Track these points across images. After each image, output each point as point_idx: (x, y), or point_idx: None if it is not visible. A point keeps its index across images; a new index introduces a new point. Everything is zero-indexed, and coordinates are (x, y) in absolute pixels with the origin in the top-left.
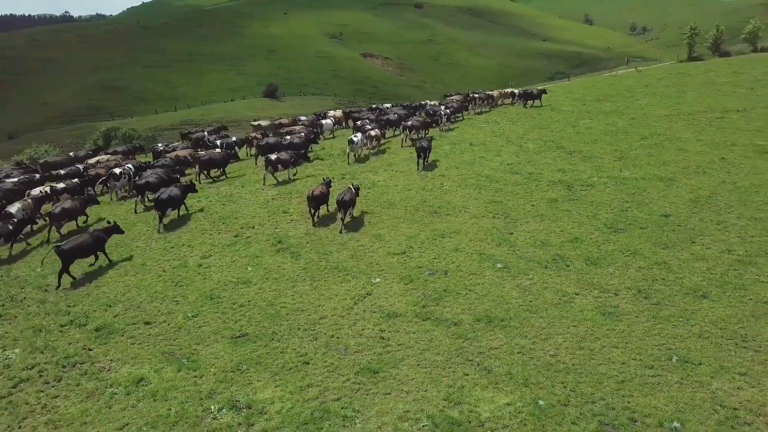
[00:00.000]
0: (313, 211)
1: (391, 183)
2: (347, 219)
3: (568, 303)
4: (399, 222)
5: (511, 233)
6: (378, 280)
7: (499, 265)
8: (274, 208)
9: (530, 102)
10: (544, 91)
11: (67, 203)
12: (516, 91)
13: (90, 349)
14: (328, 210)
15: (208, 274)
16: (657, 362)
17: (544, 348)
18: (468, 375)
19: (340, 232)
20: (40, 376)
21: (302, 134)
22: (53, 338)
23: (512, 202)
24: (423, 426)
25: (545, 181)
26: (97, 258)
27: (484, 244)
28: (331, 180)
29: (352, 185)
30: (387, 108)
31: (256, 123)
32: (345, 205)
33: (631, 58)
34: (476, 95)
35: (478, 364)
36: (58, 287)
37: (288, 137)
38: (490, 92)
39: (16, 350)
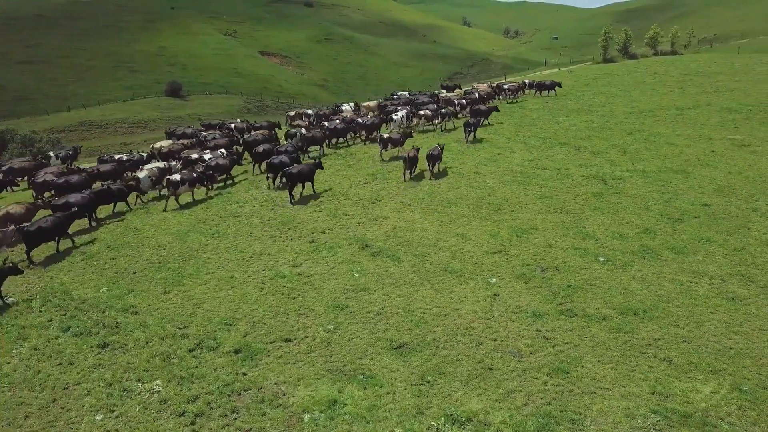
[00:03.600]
0: (408, 173)
1: (433, 183)
2: (435, 170)
3: (689, 291)
4: (471, 221)
5: (584, 227)
6: (494, 280)
7: (601, 259)
8: (330, 211)
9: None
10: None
11: None
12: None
13: (245, 374)
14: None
15: (315, 283)
16: None
17: (702, 335)
18: (653, 367)
19: (430, 179)
20: (211, 408)
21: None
22: (191, 365)
23: (562, 197)
24: (657, 421)
25: (576, 175)
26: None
27: (569, 239)
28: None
29: (439, 144)
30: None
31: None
32: (433, 159)
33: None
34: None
35: (654, 356)
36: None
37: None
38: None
39: (158, 381)
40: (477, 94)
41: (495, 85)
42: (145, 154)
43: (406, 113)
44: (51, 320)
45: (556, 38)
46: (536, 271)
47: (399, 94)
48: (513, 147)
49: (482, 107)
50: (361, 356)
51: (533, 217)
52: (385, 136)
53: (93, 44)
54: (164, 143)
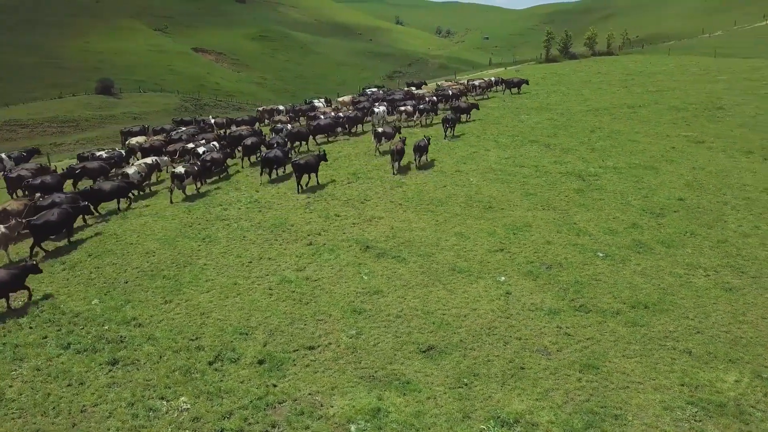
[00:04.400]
0: (395, 165)
1: (418, 182)
2: (421, 162)
3: (688, 283)
4: (465, 219)
5: (575, 223)
6: (503, 278)
7: (600, 254)
8: (321, 212)
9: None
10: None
11: None
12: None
13: (275, 385)
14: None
15: (326, 288)
16: None
17: (712, 326)
18: (675, 359)
19: (417, 168)
20: (249, 424)
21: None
22: (215, 378)
23: (546, 194)
24: (695, 413)
25: (554, 173)
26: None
27: (564, 235)
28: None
29: (425, 136)
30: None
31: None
32: (420, 150)
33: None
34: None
35: (674, 348)
36: None
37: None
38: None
39: (183, 398)
40: (450, 92)
41: (465, 82)
42: (122, 151)
43: (385, 109)
44: (46, 337)
45: (487, 38)
46: (541, 268)
47: (370, 90)
48: (486, 145)
49: (462, 104)
50: (390, 361)
51: (524, 214)
52: (380, 130)
53: (13, 39)
54: (139, 139)
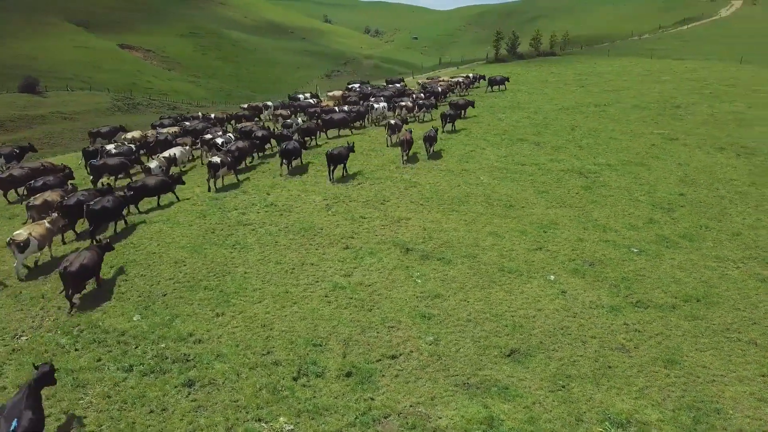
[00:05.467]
0: (405, 155)
1: (431, 181)
2: (431, 151)
3: (725, 276)
4: (492, 218)
5: (596, 220)
6: (553, 277)
7: (634, 250)
8: (344, 214)
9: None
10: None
11: None
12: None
13: (372, 399)
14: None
15: (383, 293)
16: None
17: (764, 316)
18: (744, 351)
19: (428, 158)
20: None
21: None
22: (307, 395)
23: (557, 192)
24: None
25: (556, 170)
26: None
27: (592, 232)
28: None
29: (433, 128)
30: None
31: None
32: (430, 140)
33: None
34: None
35: (738, 339)
36: None
37: None
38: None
39: (282, 419)
40: (439, 89)
41: (448, 79)
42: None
43: (386, 105)
44: (100, 360)
45: (416, 38)
46: (585, 266)
47: (351, 86)
48: (478, 143)
49: (460, 101)
50: (479, 367)
51: (545, 212)
52: (392, 122)
53: None
54: (135, 134)
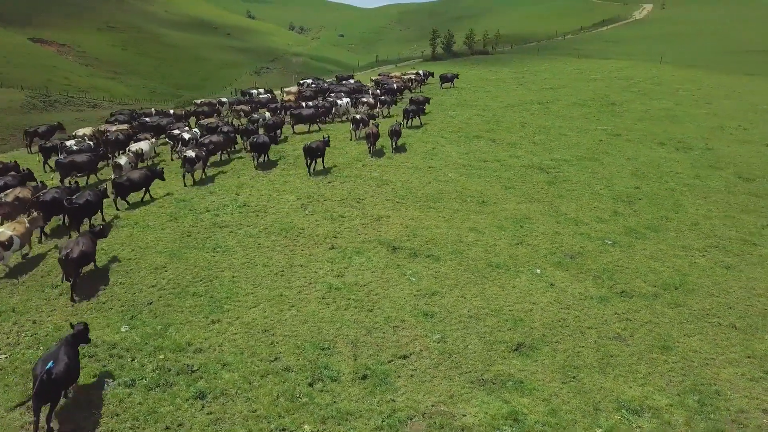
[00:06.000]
0: (371, 148)
1: (401, 179)
2: (395, 145)
3: (694, 264)
4: (468, 215)
5: (566, 213)
6: (539, 271)
7: (608, 242)
8: (322, 213)
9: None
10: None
11: None
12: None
13: (393, 400)
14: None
15: (379, 292)
16: None
17: (737, 301)
18: (727, 334)
19: (392, 153)
20: None
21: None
22: (327, 401)
23: (523, 187)
24: None
25: (517, 166)
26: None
27: (565, 226)
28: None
29: (398, 122)
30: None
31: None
32: (395, 134)
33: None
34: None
35: (719, 324)
36: None
37: None
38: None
39: (306, 426)
40: (395, 86)
41: (401, 76)
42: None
43: (349, 101)
44: (96, 375)
45: (342, 36)
46: (566, 259)
47: (304, 81)
48: (437, 140)
49: (420, 97)
50: (490, 363)
51: (517, 207)
52: (358, 117)
53: None
54: (85, 130)
